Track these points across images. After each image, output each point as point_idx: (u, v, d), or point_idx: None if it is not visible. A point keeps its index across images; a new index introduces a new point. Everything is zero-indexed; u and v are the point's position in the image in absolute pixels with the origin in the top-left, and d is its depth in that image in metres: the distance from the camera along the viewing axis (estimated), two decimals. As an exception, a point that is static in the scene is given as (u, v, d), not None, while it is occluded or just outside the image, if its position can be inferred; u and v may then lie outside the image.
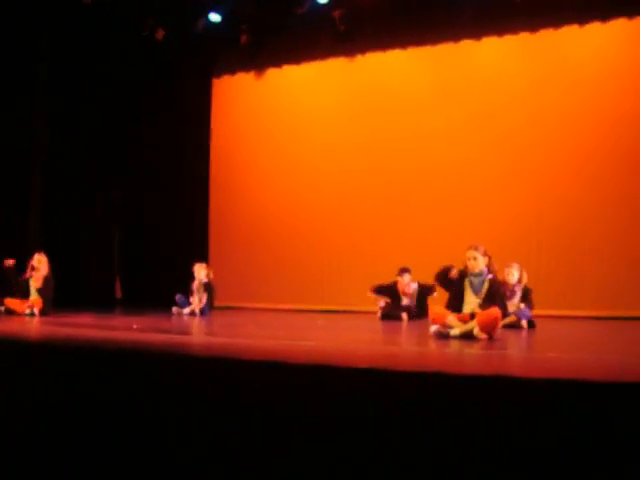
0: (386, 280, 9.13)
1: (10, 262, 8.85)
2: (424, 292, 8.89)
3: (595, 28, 10.04)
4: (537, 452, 2.75)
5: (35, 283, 8.74)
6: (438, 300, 6.18)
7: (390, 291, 9.05)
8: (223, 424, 3.45)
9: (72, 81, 11.90)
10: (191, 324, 7.68)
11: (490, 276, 5.77)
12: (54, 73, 11.69)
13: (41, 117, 11.68)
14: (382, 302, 9.09)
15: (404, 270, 8.97)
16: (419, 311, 8.80)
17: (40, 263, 8.80)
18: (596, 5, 9.90)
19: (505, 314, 6.33)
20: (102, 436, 3.75)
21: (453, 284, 5.87)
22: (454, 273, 5.85)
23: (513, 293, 7.51)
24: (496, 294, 5.77)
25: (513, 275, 7.56)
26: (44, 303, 8.54)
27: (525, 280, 7.65)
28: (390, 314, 8.86)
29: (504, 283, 7.16)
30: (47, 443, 3.92)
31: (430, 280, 6.65)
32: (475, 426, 2.87)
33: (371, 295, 9.17)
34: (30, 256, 8.91)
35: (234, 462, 3.36)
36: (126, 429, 3.71)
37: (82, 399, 3.88)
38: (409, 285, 8.97)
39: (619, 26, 9.90)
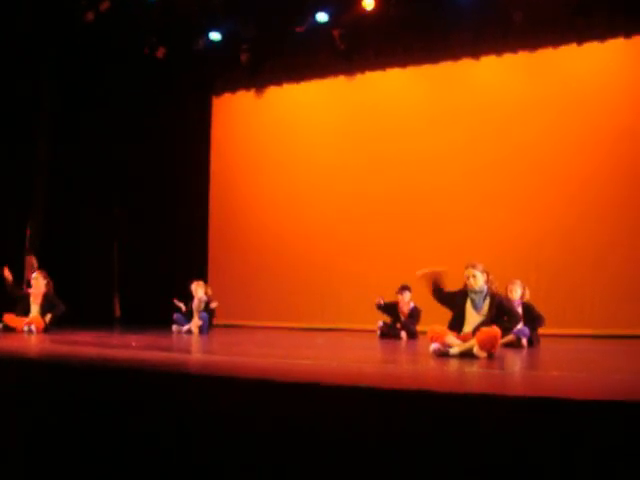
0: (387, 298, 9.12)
1: (6, 274, 8.70)
2: (414, 314, 8.89)
3: (594, 47, 10.11)
4: (536, 471, 2.74)
5: (35, 301, 8.69)
6: (435, 320, 6.13)
7: (391, 310, 9.03)
8: (222, 442, 3.43)
9: (73, 98, 11.95)
10: (190, 342, 7.65)
11: (491, 292, 5.74)
12: (55, 90, 11.74)
13: (42, 133, 11.71)
14: (381, 321, 9.08)
15: (404, 288, 8.94)
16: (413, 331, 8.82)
17: (36, 281, 8.76)
18: (594, 24, 9.97)
19: (515, 326, 6.32)
20: (101, 454, 3.73)
21: (453, 299, 5.84)
22: (443, 280, 5.84)
23: None
24: (502, 311, 5.72)
25: (516, 292, 7.48)
26: (45, 322, 8.48)
27: (527, 297, 7.62)
28: (389, 333, 8.84)
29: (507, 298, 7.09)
30: (46, 462, 3.90)
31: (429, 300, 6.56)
32: (474, 445, 2.85)
33: (377, 304, 9.03)
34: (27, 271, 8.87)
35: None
36: (125, 447, 3.69)
37: (81, 417, 3.87)
38: (409, 304, 8.95)
39: (617, 45, 9.98)
